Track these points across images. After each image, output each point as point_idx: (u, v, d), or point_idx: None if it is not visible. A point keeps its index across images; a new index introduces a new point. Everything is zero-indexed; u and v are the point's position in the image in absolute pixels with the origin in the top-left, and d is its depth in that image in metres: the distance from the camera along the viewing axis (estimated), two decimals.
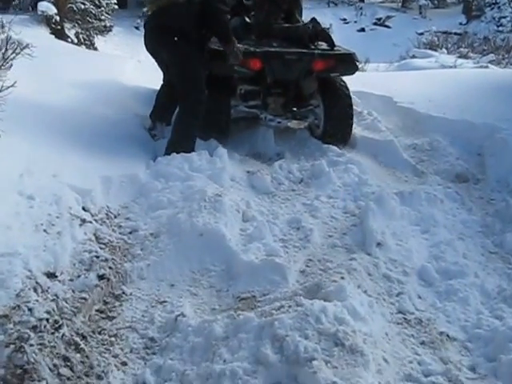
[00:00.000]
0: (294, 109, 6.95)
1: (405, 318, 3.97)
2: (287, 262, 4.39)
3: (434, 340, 3.76)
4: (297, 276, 4.30)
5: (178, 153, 5.75)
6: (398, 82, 9.40)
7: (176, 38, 6.08)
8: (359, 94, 8.33)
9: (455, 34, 25.12)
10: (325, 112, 6.93)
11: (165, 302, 4.02)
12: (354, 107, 7.55)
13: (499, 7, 30.97)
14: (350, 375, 3.07)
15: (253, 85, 6.83)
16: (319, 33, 6.97)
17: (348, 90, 7.05)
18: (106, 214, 4.94)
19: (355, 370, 3.11)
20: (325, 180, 5.77)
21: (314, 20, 7.11)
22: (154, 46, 6.38)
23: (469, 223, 5.36)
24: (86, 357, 3.36)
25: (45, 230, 4.21)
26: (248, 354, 3.27)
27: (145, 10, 27.11)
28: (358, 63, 7.07)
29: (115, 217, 4.98)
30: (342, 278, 4.06)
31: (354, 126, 7.10)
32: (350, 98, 7.04)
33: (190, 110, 6.14)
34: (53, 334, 3.37)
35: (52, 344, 3.29)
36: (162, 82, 6.94)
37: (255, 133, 6.84)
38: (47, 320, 3.43)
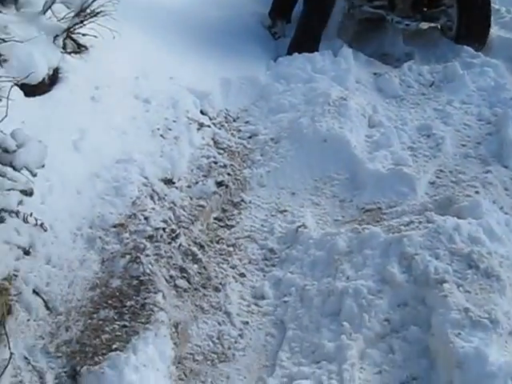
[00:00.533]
0: (425, 9, 6.36)
1: None
2: (416, 172, 4.09)
3: None
4: (426, 188, 4.01)
5: (300, 53, 5.45)
6: None
7: None
8: None
9: None
10: (459, 12, 6.26)
11: (285, 211, 3.86)
12: (492, 4, 7.02)
13: None
14: (484, 301, 2.83)
15: None
16: None
17: None
18: (225, 118, 4.76)
19: (490, 295, 2.86)
20: (458, 84, 5.33)
21: None
22: None
23: None
24: (204, 268, 3.26)
25: (161, 135, 4.08)
26: (373, 272, 3.08)
27: None
28: None
29: (234, 120, 4.80)
30: (477, 192, 3.76)
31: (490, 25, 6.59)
32: None
33: (317, 9, 5.80)
34: (169, 243, 3.28)
35: (169, 254, 3.21)
36: None
37: (382, 32, 6.38)
38: (164, 229, 3.34)
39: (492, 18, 6.57)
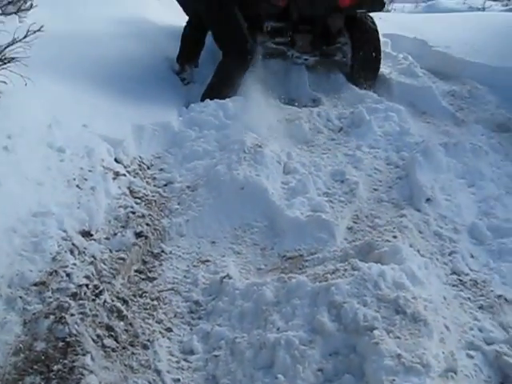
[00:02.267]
0: (322, 47, 6.84)
1: (460, 280, 3.74)
2: (334, 218, 4.15)
3: (492, 304, 3.53)
4: (344, 233, 4.08)
5: (211, 99, 5.52)
6: (430, 24, 9.14)
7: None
8: (392, 36, 8.14)
9: None
10: (353, 49, 6.81)
11: (207, 261, 3.82)
12: (389, 51, 7.35)
13: None
14: (414, 346, 2.85)
15: (279, 21, 6.69)
16: None
17: (375, 25, 6.86)
18: (139, 165, 4.73)
19: (419, 340, 2.89)
20: (365, 129, 5.52)
21: None
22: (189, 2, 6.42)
23: None
24: (130, 324, 3.16)
25: (78, 186, 4.00)
26: (303, 322, 3.05)
27: None
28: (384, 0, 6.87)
29: (148, 168, 4.78)
30: (395, 237, 3.84)
31: (390, 70, 6.89)
32: (378, 33, 6.86)
33: (236, 59, 5.96)
34: (94, 300, 3.18)
35: (94, 312, 3.10)
36: (185, 24, 6.75)
37: (289, 77, 6.62)
38: (87, 286, 3.24)
39: (391, 65, 6.90)
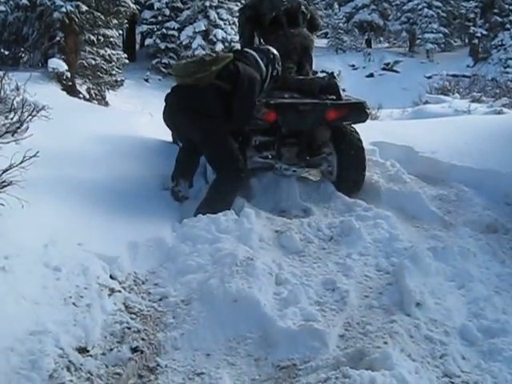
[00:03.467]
0: (308, 157, 7.07)
1: (452, 382, 3.79)
2: (326, 326, 4.22)
3: None
4: (337, 341, 4.14)
5: (203, 214, 5.68)
6: (417, 130, 9.41)
7: (204, 118, 6.25)
8: (380, 144, 8.37)
9: (464, 76, 25.35)
10: (338, 159, 7.04)
11: (202, 373, 3.86)
12: (377, 158, 7.55)
13: (505, 49, 31.33)
14: None
15: (267, 136, 6.93)
16: (330, 86, 7.06)
17: (360, 138, 7.11)
18: (134, 281, 4.84)
19: None
20: (355, 237, 5.64)
21: (331, 74, 7.19)
22: (177, 123, 6.63)
23: (503, 276, 5.21)
24: None
25: (74, 303, 4.11)
26: None
27: (154, 62, 27.79)
28: (368, 111, 7.20)
29: (143, 283, 4.87)
30: (385, 342, 3.92)
31: (378, 177, 7.07)
32: (362, 142, 7.09)
33: (229, 177, 6.20)
34: None
35: None
36: (179, 147, 7.07)
37: (279, 188, 6.76)
38: None
39: (379, 172, 7.09)
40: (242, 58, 6.53)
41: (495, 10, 35.03)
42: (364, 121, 7.04)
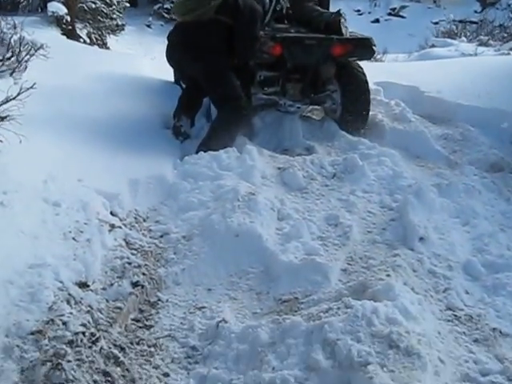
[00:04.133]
0: (312, 94, 6.98)
1: (455, 315, 3.78)
2: (328, 260, 4.18)
3: (487, 337, 3.57)
4: (339, 275, 4.11)
5: (205, 151, 5.61)
6: (422, 71, 9.28)
7: (206, 54, 6.16)
8: (384, 84, 8.22)
9: (471, 22, 24.99)
10: (342, 97, 6.93)
11: (203, 307, 3.84)
12: (382, 98, 7.44)
13: None
14: (408, 379, 2.88)
15: (272, 71, 6.83)
16: (333, 23, 6.88)
17: (365, 75, 6.98)
18: (135, 218, 4.77)
19: (413, 373, 2.92)
20: (358, 174, 5.57)
21: (338, 12, 6.98)
22: (179, 60, 6.58)
23: (508, 213, 5.17)
24: (127, 370, 3.18)
25: (73, 238, 4.05)
26: (298, 361, 3.09)
27: (156, 7, 27.36)
28: (375, 48, 6.98)
29: (144, 220, 4.81)
30: (388, 275, 3.87)
31: (382, 116, 6.98)
32: (367, 82, 6.98)
33: (231, 114, 6.13)
34: (90, 347, 3.20)
35: (90, 359, 3.11)
36: (182, 85, 7.07)
37: (282, 127, 6.68)
38: (83, 333, 3.26)
39: (384, 111, 7.00)
40: None
41: None
42: (370, 57, 7.02)
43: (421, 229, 4.53)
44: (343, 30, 6.79)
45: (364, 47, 6.82)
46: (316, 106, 7.11)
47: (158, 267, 4.20)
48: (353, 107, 6.83)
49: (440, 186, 5.23)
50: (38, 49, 6.48)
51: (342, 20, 6.86)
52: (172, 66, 6.95)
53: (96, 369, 3.09)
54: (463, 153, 6.54)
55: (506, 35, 18.77)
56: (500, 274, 4.18)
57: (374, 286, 3.67)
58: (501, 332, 3.61)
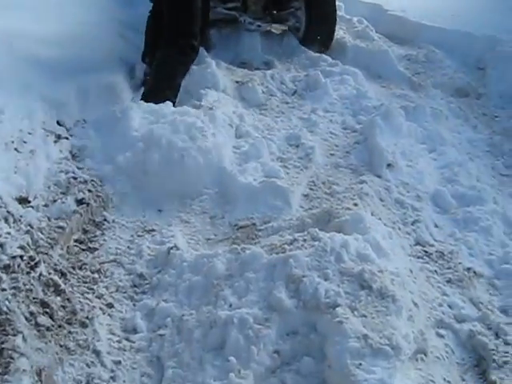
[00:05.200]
0: (275, 11, 6.45)
1: (425, 251, 3.54)
2: (289, 184, 3.88)
3: (461, 278, 3.34)
4: (300, 201, 3.82)
5: (156, 103, 4.52)
6: None
7: None
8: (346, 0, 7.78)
9: None
10: (307, 15, 6.40)
11: (153, 230, 3.53)
12: (343, 14, 7.06)
13: None
14: (382, 325, 2.60)
15: None
16: None
17: None
18: (83, 128, 4.33)
19: (387, 318, 2.64)
20: (321, 92, 5.23)
21: None
22: None
23: (476, 142, 4.96)
24: (67, 300, 2.84)
25: (16, 149, 3.61)
26: (258, 298, 2.77)
27: None
28: None
29: None
30: (355, 204, 3.59)
31: (344, 33, 6.60)
32: (335, 1, 6.51)
33: (178, 54, 4.93)
34: (28, 274, 2.84)
35: (28, 287, 2.76)
36: (148, 13, 5.62)
37: (240, 40, 6.23)
38: (21, 257, 2.89)
39: (345, 27, 6.63)
40: None
41: None
42: None
43: (388, 154, 4.25)
44: None
45: None
46: (278, 25, 6.59)
47: (104, 184, 3.80)
48: (317, 27, 6.35)
49: (407, 108, 4.94)
50: None
51: None
52: None
53: (33, 298, 2.75)
54: (427, 75, 6.22)
55: None
56: (471, 208, 3.94)
57: (340, 216, 3.38)
58: (475, 272, 3.39)
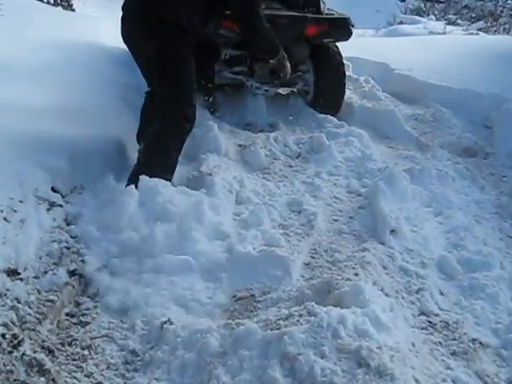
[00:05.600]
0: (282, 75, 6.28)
1: (429, 322, 3.39)
2: (290, 253, 3.77)
3: (466, 349, 3.19)
4: (301, 270, 3.70)
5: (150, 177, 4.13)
6: (392, 47, 8.99)
7: (167, 30, 4.45)
8: (353, 59, 7.88)
9: (438, 1, 24.94)
10: (316, 78, 6.42)
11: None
12: (350, 74, 7.07)
13: None
14: None
15: (239, 49, 6.09)
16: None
17: (341, 56, 6.52)
18: (80, 194, 4.25)
19: None
20: (325, 155, 5.20)
21: None
22: (132, 40, 4.71)
23: (483, 203, 4.88)
24: (52, 380, 2.69)
25: (5, 219, 3.52)
26: (251, 377, 2.64)
27: None
28: (352, 28, 6.41)
29: None
30: (356, 274, 3.48)
31: (351, 93, 6.58)
32: (344, 64, 6.52)
33: (172, 126, 4.42)
34: (10, 353, 2.71)
35: (8, 368, 2.63)
36: (145, 93, 5.12)
37: (245, 101, 6.25)
38: (3, 336, 2.76)
39: (352, 87, 6.62)
40: None
41: None
42: (347, 39, 6.38)
43: (392, 220, 4.15)
44: (321, 6, 6.23)
45: (340, 28, 6.28)
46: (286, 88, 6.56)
47: (99, 254, 3.70)
48: (326, 90, 6.34)
49: (412, 171, 4.90)
50: None
51: None
52: (129, 50, 4.91)
53: (14, 380, 2.62)
54: (435, 135, 6.23)
55: (474, 15, 18.66)
56: (477, 274, 3.82)
57: (340, 287, 3.26)
58: (481, 343, 3.24)
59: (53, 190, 4.09)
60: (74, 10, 13.97)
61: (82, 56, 6.46)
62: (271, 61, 5.07)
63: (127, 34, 4.69)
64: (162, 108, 4.45)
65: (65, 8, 13.59)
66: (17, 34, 6.47)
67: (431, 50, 8.60)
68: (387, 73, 7.71)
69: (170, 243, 3.65)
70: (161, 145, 4.36)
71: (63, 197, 4.12)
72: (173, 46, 4.46)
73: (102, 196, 4.11)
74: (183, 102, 4.42)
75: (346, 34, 6.35)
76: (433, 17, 17.84)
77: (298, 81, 6.51)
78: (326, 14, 6.30)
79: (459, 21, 16.88)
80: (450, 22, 16.04)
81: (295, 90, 6.57)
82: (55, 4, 13.20)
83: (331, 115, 6.08)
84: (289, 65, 5.21)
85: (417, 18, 17.21)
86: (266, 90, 6.31)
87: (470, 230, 4.33)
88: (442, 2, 23.72)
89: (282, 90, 6.57)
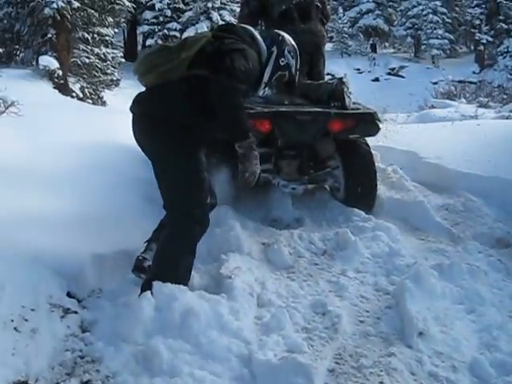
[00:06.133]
0: (311, 171, 6.22)
1: None
2: (312, 359, 3.59)
3: None
4: (325, 377, 3.51)
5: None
6: (421, 135, 8.88)
7: (170, 129, 4.21)
8: (381, 148, 7.81)
9: (470, 82, 25.14)
10: (345, 174, 6.23)
11: None
12: (378, 164, 6.94)
13: (511, 56, 31.07)
14: None
15: (263, 147, 5.65)
16: (336, 92, 6.12)
17: (369, 147, 6.36)
18: (98, 298, 4.18)
19: None
20: (351, 251, 5.06)
21: (340, 79, 6.31)
22: (142, 144, 4.46)
23: None
24: None
25: (15, 328, 3.43)
26: None
27: None
28: (379, 123, 6.18)
29: None
30: (381, 382, 3.30)
31: (379, 184, 6.45)
32: (372, 156, 6.37)
33: (181, 232, 4.18)
34: None
35: None
36: None
37: (270, 195, 6.16)
38: None
39: (380, 178, 6.53)
40: (227, 33, 4.39)
41: (500, 17, 34.52)
42: (374, 134, 6.16)
43: (420, 321, 3.96)
44: (346, 101, 6.08)
45: (367, 123, 6.03)
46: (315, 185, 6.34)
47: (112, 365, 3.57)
48: (358, 185, 6.13)
49: (441, 266, 4.74)
50: (9, 106, 6.00)
51: (345, 89, 6.12)
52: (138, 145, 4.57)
53: None
54: (466, 225, 6.09)
55: (505, 96, 18.70)
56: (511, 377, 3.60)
57: None
58: None
59: (68, 294, 4.03)
60: (104, 103, 14.18)
61: (105, 158, 6.46)
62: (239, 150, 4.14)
63: (136, 136, 4.49)
64: (169, 212, 4.30)
65: (95, 101, 13.80)
66: (38, 138, 6.49)
67: (460, 137, 8.52)
68: (416, 161, 7.67)
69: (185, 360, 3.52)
70: (170, 253, 4.16)
71: (79, 301, 4.05)
72: (180, 147, 4.23)
73: (120, 300, 4.02)
74: (190, 205, 4.17)
75: (373, 130, 6.10)
76: (464, 100, 17.88)
77: (328, 177, 6.32)
78: (352, 109, 6.14)
79: (491, 103, 16.86)
80: (482, 105, 16.00)
81: (326, 187, 6.42)
82: (84, 98, 13.39)
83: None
84: (257, 166, 4.19)
85: (447, 101, 17.26)
86: (294, 188, 6.11)
87: (504, 328, 4.13)
88: (474, 83, 23.89)
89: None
